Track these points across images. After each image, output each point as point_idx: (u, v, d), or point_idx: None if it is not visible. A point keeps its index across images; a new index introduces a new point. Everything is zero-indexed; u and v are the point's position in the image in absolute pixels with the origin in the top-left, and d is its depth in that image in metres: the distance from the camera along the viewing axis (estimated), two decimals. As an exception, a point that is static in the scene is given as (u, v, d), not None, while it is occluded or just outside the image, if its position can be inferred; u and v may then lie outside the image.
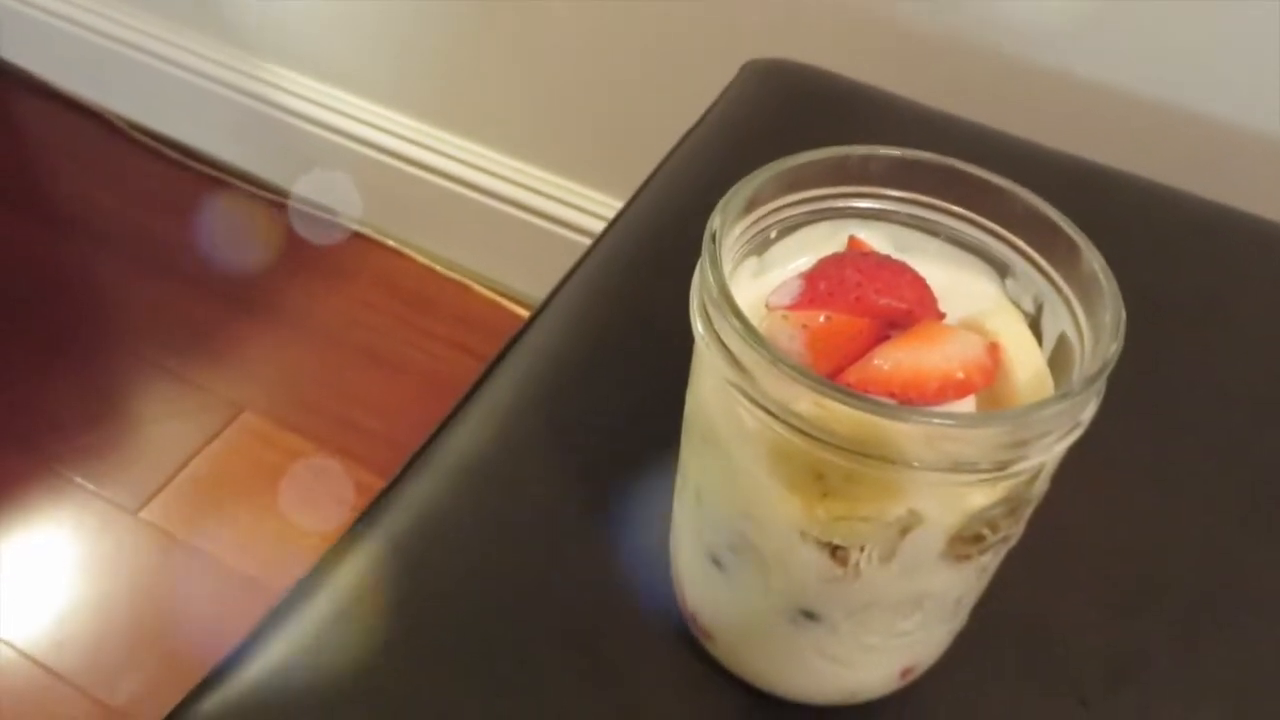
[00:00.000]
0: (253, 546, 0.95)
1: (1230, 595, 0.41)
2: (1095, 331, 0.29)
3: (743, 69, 0.64)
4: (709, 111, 0.62)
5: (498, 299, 1.12)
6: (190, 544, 0.95)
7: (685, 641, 0.37)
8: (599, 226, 1.02)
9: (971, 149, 0.59)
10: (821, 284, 0.30)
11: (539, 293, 1.09)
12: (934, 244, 0.34)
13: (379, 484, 1.06)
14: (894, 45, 0.76)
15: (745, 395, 0.28)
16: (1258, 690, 0.38)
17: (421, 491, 0.42)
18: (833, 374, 0.29)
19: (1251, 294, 0.52)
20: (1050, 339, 0.31)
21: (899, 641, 0.33)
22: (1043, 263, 0.32)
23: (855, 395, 0.26)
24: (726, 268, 0.31)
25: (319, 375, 1.07)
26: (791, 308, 0.30)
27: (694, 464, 0.33)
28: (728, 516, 0.32)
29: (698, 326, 0.29)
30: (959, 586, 0.32)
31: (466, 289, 1.13)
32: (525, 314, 1.10)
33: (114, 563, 0.94)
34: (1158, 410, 0.46)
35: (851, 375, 0.29)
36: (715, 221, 0.30)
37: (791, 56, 0.64)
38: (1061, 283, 0.31)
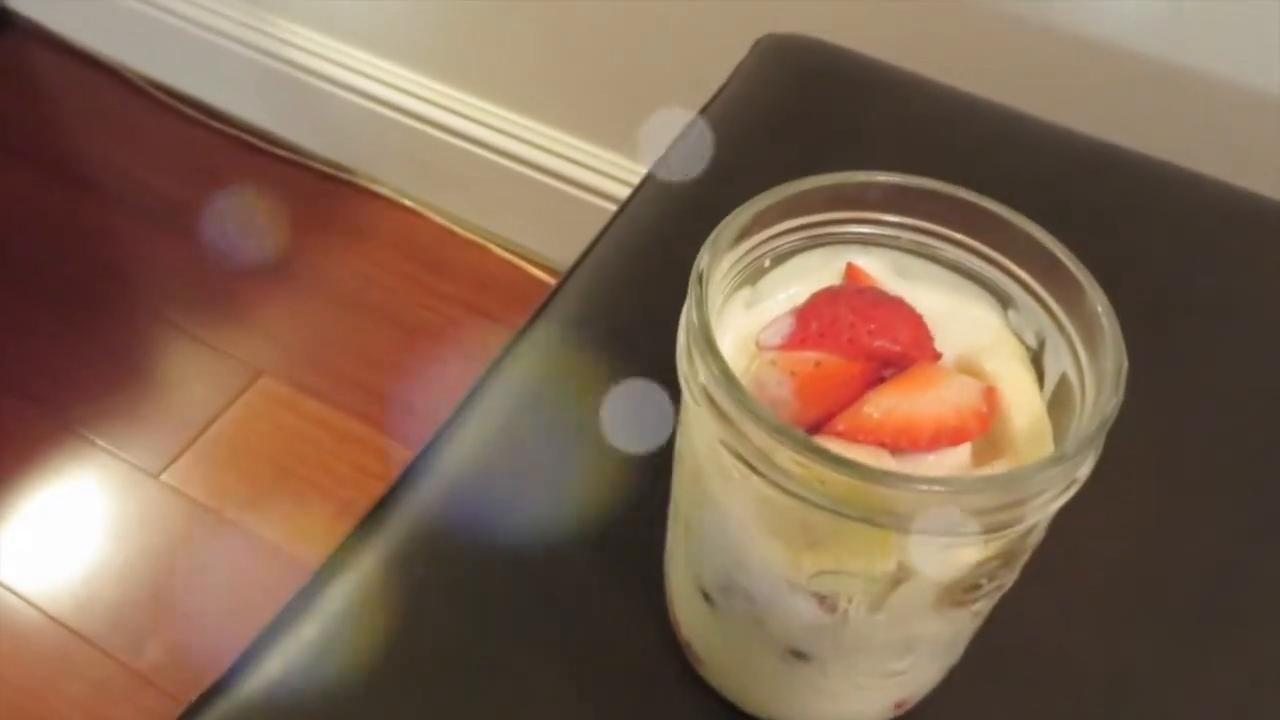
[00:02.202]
0: (273, 511, 0.96)
1: (1233, 610, 0.40)
2: (1097, 378, 0.28)
3: (756, 44, 0.62)
4: (723, 89, 0.60)
5: (516, 260, 1.11)
6: (211, 508, 0.96)
7: (680, 664, 0.37)
8: (616, 189, 1.01)
9: (991, 130, 0.58)
10: (813, 323, 0.29)
11: (557, 255, 1.09)
12: (936, 270, 0.32)
13: (397, 449, 1.07)
14: (913, 20, 0.74)
15: (728, 448, 0.27)
16: (1259, 707, 0.38)
17: (418, 502, 0.42)
18: (823, 419, 0.28)
19: (1269, 290, 0.50)
20: (1052, 377, 0.30)
21: (892, 680, 0.33)
22: (1046, 298, 0.30)
23: (838, 460, 0.25)
24: (717, 301, 0.31)
25: (336, 338, 1.07)
26: (782, 348, 0.29)
27: (683, 499, 0.32)
28: (716, 557, 0.31)
29: (683, 369, 0.28)
30: (952, 630, 0.31)
31: (484, 250, 1.12)
32: (543, 276, 1.09)
33: (137, 526, 0.95)
34: (1168, 413, 0.44)
35: (842, 423, 0.28)
36: (703, 259, 0.29)
37: (811, 24, 0.62)
38: (1064, 320, 0.30)
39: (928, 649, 0.32)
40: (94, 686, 0.86)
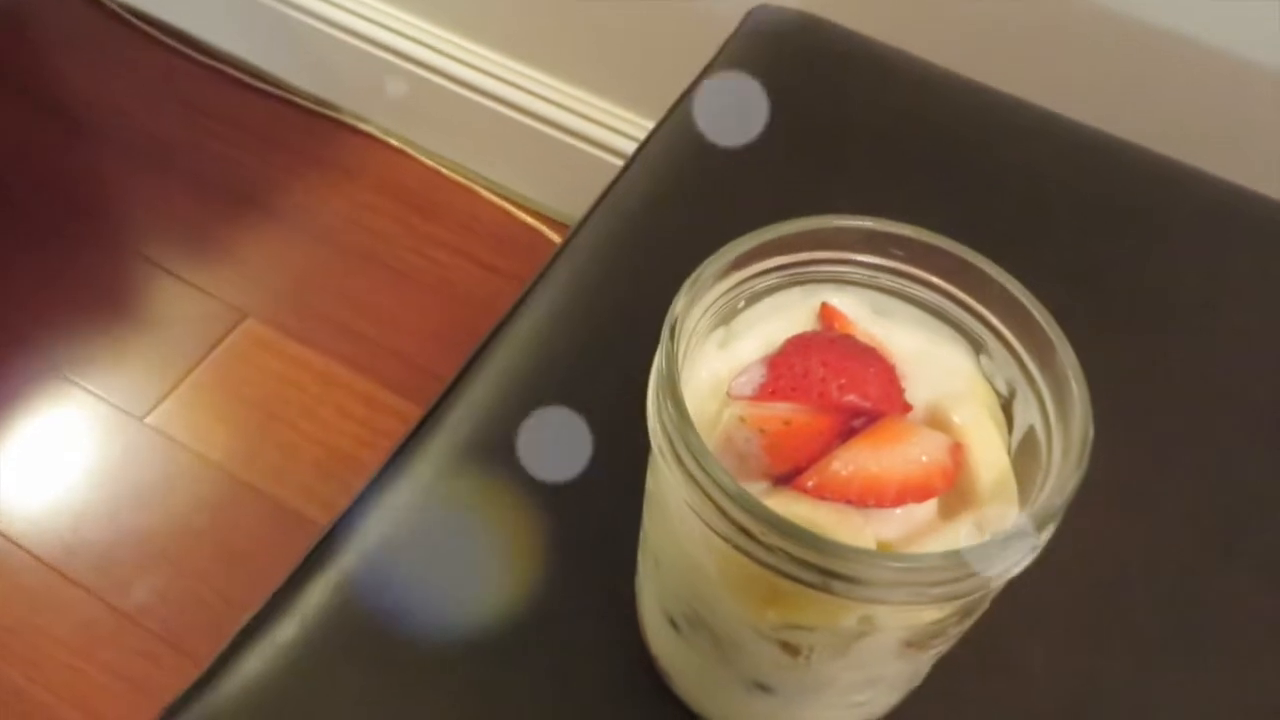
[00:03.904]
0: (258, 455, 0.97)
1: (1198, 629, 0.41)
2: (1064, 441, 0.28)
3: (747, 17, 0.61)
4: (711, 65, 0.59)
5: (504, 205, 1.10)
6: (196, 451, 0.96)
7: (650, 677, 0.38)
8: (606, 136, 1.00)
9: (982, 116, 0.57)
10: (784, 377, 0.29)
11: (546, 200, 1.08)
12: (912, 310, 0.32)
13: (382, 394, 1.07)
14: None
15: (692, 508, 0.27)
16: (1213, 729, 0.39)
17: (393, 504, 0.42)
18: (792, 474, 0.28)
19: (1262, 292, 0.50)
20: (1020, 427, 0.31)
21: (854, 711, 0.33)
22: (1018, 349, 0.30)
23: (800, 533, 0.25)
24: (690, 345, 0.30)
25: (321, 280, 1.06)
26: (754, 399, 0.29)
27: (652, 534, 0.33)
28: (682, 594, 0.32)
29: (651, 424, 0.28)
30: (913, 668, 0.32)
31: (472, 193, 1.11)
32: (531, 221, 1.09)
33: (122, 468, 0.95)
34: (1143, 424, 0.45)
35: (810, 479, 0.28)
36: (678, 305, 0.29)
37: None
38: (1035, 375, 0.30)
39: (889, 684, 0.33)
40: (81, 627, 0.87)
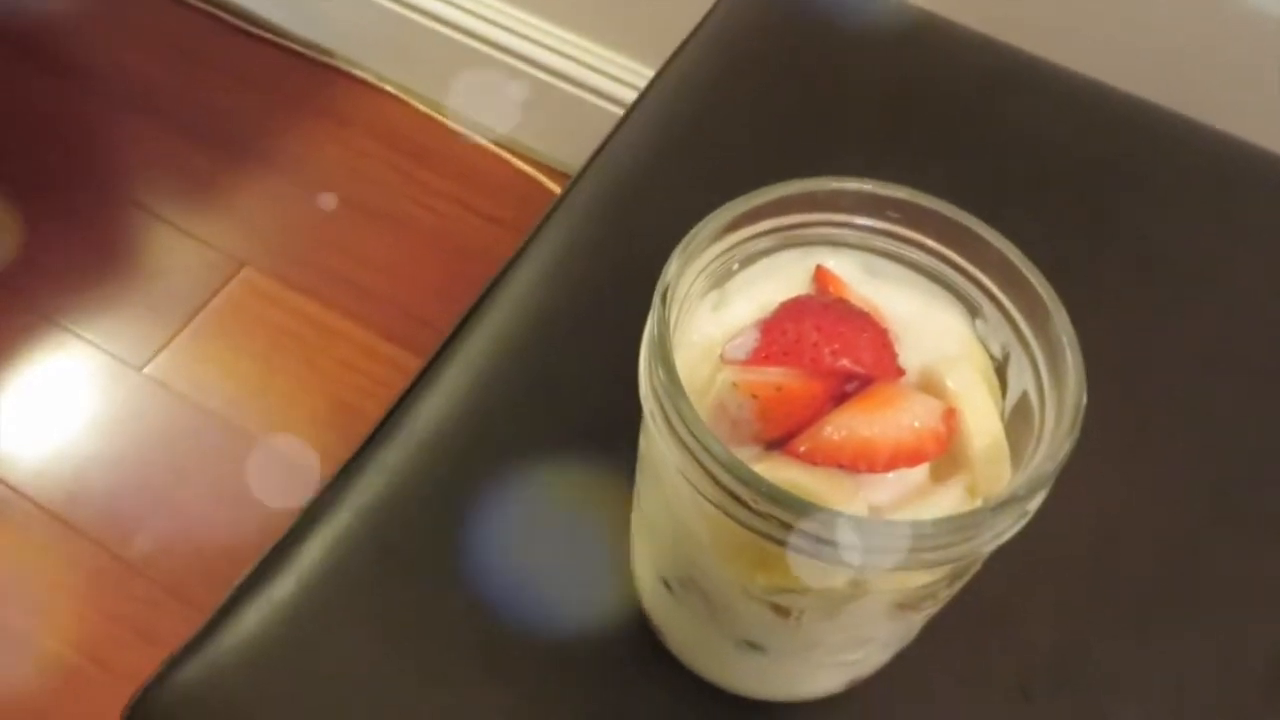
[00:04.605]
0: (257, 405, 0.97)
1: (1186, 592, 0.41)
2: (1057, 407, 0.28)
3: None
4: (711, 13, 0.58)
5: (500, 152, 1.09)
6: (195, 401, 0.96)
7: (644, 633, 0.38)
8: (604, 83, 0.99)
9: (986, 72, 0.56)
10: (777, 342, 0.29)
11: (541, 147, 1.07)
12: (907, 273, 0.32)
13: (380, 344, 1.07)
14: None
15: (683, 474, 0.27)
16: (1198, 688, 0.39)
17: (390, 460, 0.42)
18: (784, 439, 0.28)
19: (1262, 253, 0.50)
20: (1014, 392, 0.30)
21: (845, 668, 0.34)
22: (1013, 314, 0.30)
23: (791, 500, 0.25)
24: (684, 308, 0.30)
25: (317, 229, 1.06)
26: (747, 363, 0.29)
27: (645, 494, 0.33)
28: (674, 557, 0.32)
29: (643, 388, 0.28)
30: (904, 628, 0.32)
31: (471, 142, 1.10)
32: (527, 169, 1.08)
33: (123, 419, 0.95)
34: (1138, 385, 0.45)
35: (802, 444, 0.28)
36: (670, 270, 0.29)
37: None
38: (1030, 339, 0.30)
39: (880, 643, 0.33)
40: (87, 575, 0.88)
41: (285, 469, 0.94)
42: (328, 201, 1.07)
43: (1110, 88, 0.53)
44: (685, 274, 0.29)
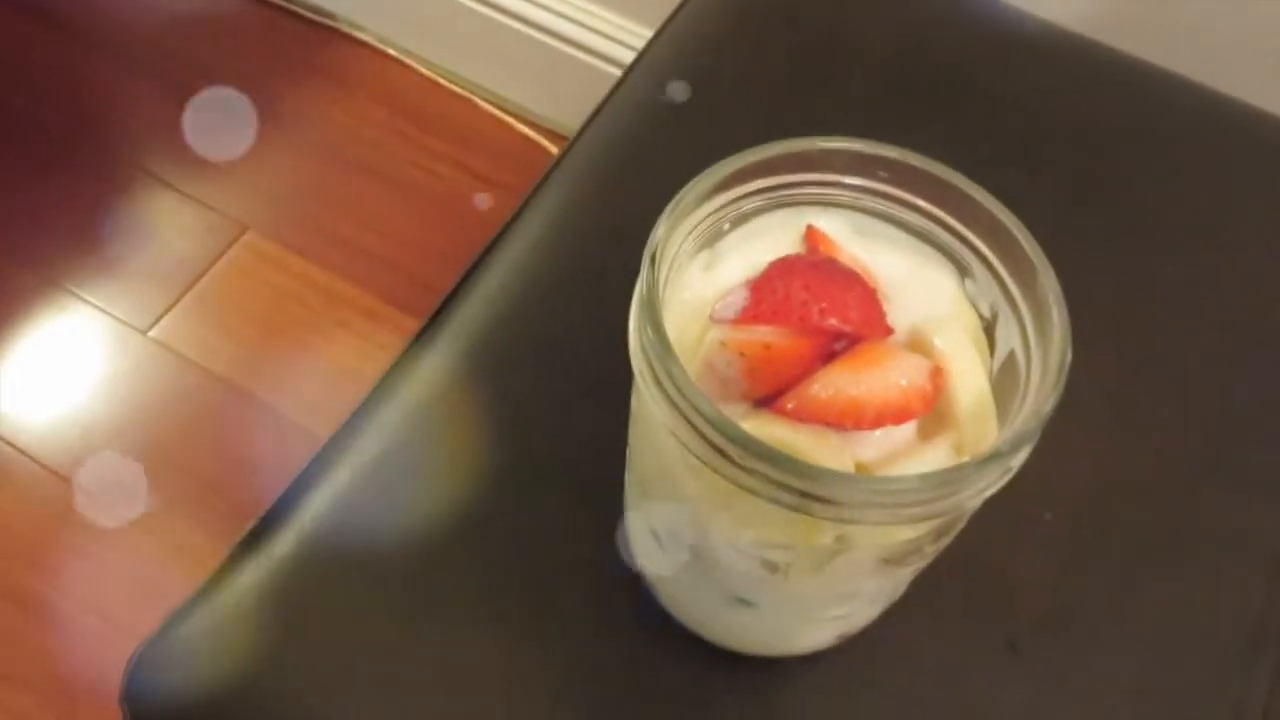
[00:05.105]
0: (262, 368, 0.97)
1: (1172, 548, 0.41)
2: (1042, 364, 0.28)
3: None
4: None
5: (502, 116, 1.09)
6: (200, 364, 0.97)
7: (636, 587, 0.39)
8: (606, 45, 0.98)
9: (983, 32, 0.56)
10: (766, 301, 0.29)
11: (544, 110, 1.06)
12: (896, 233, 0.32)
13: (382, 307, 1.07)
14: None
15: (673, 435, 0.27)
16: (1183, 643, 0.40)
17: (387, 420, 0.43)
18: (772, 397, 0.29)
19: (1254, 211, 0.50)
20: (1002, 350, 0.31)
21: (833, 623, 0.34)
22: (1001, 273, 0.30)
23: (777, 456, 0.26)
24: (674, 267, 0.31)
25: (320, 193, 1.06)
26: (736, 322, 0.29)
27: (636, 450, 0.33)
28: (664, 511, 0.32)
29: (633, 346, 0.29)
30: (891, 583, 0.33)
31: (470, 104, 1.10)
32: (529, 132, 1.08)
33: (129, 381, 0.96)
34: (1129, 343, 0.45)
35: (789, 402, 0.28)
36: (659, 231, 0.29)
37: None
38: (1018, 298, 0.30)
39: (868, 598, 0.33)
40: (94, 535, 0.89)
41: (289, 430, 0.95)
42: (329, 165, 1.07)
43: (1105, 46, 0.53)
44: (674, 235, 0.30)
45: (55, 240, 1.02)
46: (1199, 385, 0.44)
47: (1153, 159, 0.50)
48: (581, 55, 0.99)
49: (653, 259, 0.28)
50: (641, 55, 0.55)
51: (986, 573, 0.40)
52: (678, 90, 0.50)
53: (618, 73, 0.55)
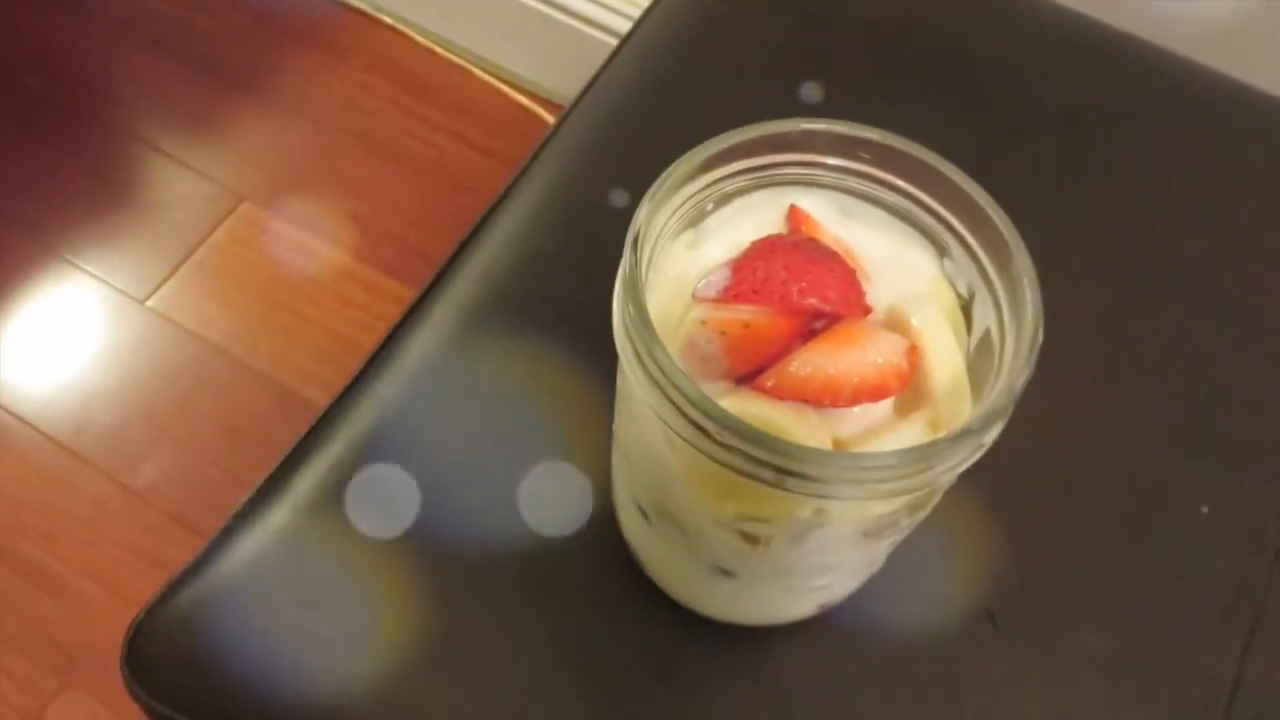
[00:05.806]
0: (259, 339, 0.98)
1: (1152, 522, 0.42)
2: (1016, 342, 0.29)
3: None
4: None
5: (499, 85, 1.09)
6: (198, 334, 0.97)
7: (624, 560, 0.40)
8: (603, 15, 0.98)
9: (975, 9, 0.56)
10: (747, 280, 0.30)
11: (541, 80, 1.06)
12: (878, 213, 0.33)
13: (379, 279, 1.07)
14: None
15: (655, 412, 0.28)
16: (1162, 616, 0.41)
17: (381, 393, 0.43)
18: (753, 375, 0.29)
19: (1242, 188, 0.50)
20: (978, 329, 0.31)
21: (814, 594, 0.35)
22: (978, 252, 0.31)
23: (756, 434, 0.26)
24: (659, 247, 0.31)
25: (316, 163, 1.06)
26: (717, 301, 0.30)
27: (622, 426, 0.34)
28: (649, 486, 0.33)
29: (616, 325, 0.29)
30: (870, 556, 0.34)
31: (467, 73, 1.10)
32: (526, 102, 1.08)
33: (127, 350, 0.97)
34: (1113, 319, 0.46)
35: (769, 380, 0.29)
36: (641, 214, 0.30)
37: None
38: (993, 277, 0.31)
39: (847, 570, 0.34)
40: (94, 505, 0.90)
41: (288, 400, 0.95)
42: (325, 134, 1.07)
43: (1095, 22, 0.54)
44: (656, 217, 0.30)
45: (54, 210, 1.02)
46: (1178, 360, 0.45)
47: (1140, 134, 0.51)
48: (578, 24, 0.99)
49: (635, 241, 0.29)
50: (638, 25, 0.55)
51: (966, 546, 0.41)
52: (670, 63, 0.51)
53: (614, 42, 0.56)
